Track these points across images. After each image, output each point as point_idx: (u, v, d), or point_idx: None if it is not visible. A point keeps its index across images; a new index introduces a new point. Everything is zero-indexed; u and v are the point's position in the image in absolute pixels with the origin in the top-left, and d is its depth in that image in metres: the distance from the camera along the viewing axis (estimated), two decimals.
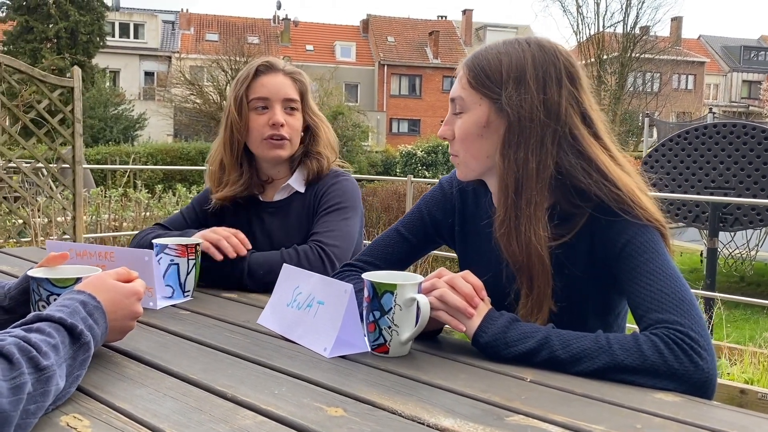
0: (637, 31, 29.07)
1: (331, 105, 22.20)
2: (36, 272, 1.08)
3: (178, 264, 1.46)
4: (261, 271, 1.55)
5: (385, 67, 37.19)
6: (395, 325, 1.09)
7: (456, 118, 1.27)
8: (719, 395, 2.76)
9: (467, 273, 1.17)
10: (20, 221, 4.05)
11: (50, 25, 25.09)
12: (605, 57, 28.60)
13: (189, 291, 1.49)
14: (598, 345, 1.06)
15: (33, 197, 4.10)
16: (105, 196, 5.88)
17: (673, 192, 4.87)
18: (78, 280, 1.06)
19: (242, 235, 1.61)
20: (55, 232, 4.08)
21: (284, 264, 1.33)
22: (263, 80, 1.73)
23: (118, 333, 1.06)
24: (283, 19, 38.58)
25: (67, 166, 4.04)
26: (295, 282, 1.27)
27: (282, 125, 1.71)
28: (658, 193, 4.99)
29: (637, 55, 28.75)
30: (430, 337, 1.22)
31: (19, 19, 24.92)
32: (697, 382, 1.02)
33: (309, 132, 1.80)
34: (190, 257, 1.47)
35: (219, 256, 1.56)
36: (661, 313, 1.08)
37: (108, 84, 27.38)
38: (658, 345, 1.03)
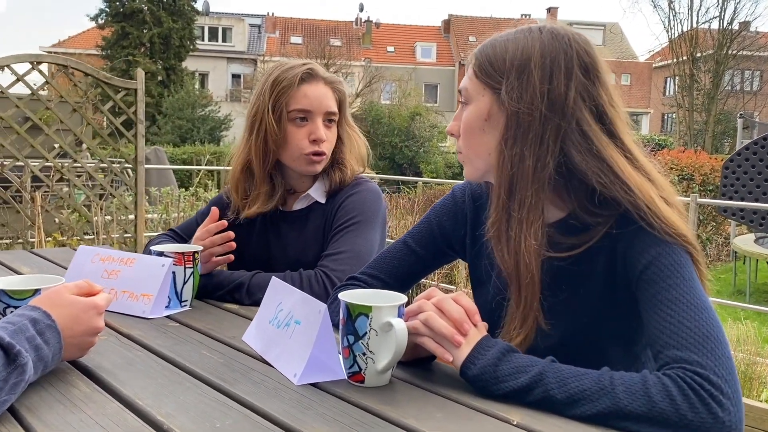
0: (735, 26, 27.40)
1: (409, 106, 22.18)
2: None
3: (174, 272, 1.40)
4: (261, 295, 1.48)
5: (466, 67, 36.80)
6: (370, 351, 0.98)
7: (463, 112, 1.15)
8: None
9: (460, 295, 1.05)
10: (85, 220, 4.19)
11: (145, 31, 26.35)
12: (699, 55, 27.12)
13: (186, 301, 1.43)
14: (600, 386, 0.91)
15: (96, 196, 4.22)
16: (175, 196, 6.04)
17: (757, 200, 4.47)
18: (36, 292, 1.02)
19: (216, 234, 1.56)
20: (116, 230, 4.20)
21: (273, 277, 1.24)
22: (305, 90, 1.61)
23: (77, 350, 1.00)
24: (365, 21, 38.92)
25: (129, 166, 4.16)
26: (279, 297, 1.18)
27: (324, 141, 1.62)
28: (738, 203, 4.61)
29: (735, 52, 27.09)
30: (422, 365, 1.10)
31: (116, 26, 26.31)
32: None
33: (339, 141, 1.70)
34: (187, 265, 1.41)
35: (230, 257, 1.55)
36: (679, 351, 0.92)
37: (197, 86, 28.45)
38: (670, 389, 0.88)
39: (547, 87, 1.04)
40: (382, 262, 1.37)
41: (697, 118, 26.70)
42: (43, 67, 3.87)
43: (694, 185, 10.88)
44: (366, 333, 0.98)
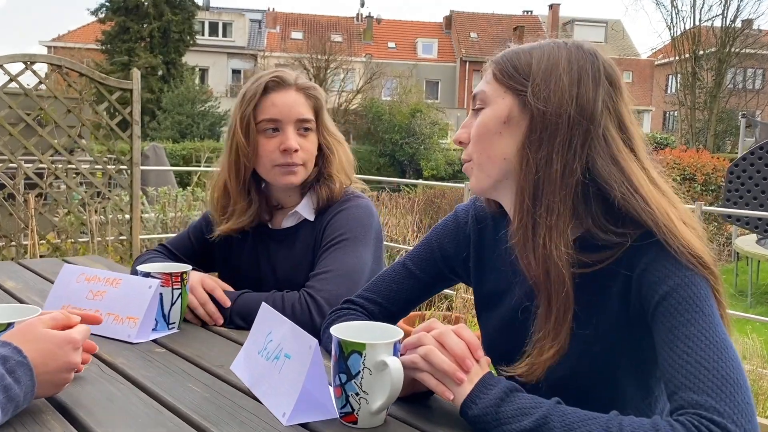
0: (737, 24, 27.28)
1: (410, 102, 22.10)
2: None
3: (161, 294, 1.34)
4: (242, 321, 1.41)
5: (467, 63, 36.67)
6: (364, 392, 0.92)
7: (475, 118, 1.10)
8: None
9: (461, 327, 0.99)
10: (79, 222, 4.13)
11: (145, 25, 26.22)
12: (701, 53, 27.01)
13: (174, 323, 1.37)
14: None
15: (91, 198, 4.16)
16: (172, 196, 5.97)
17: (762, 206, 4.41)
18: (9, 325, 0.96)
19: (220, 294, 1.44)
20: (111, 232, 4.13)
21: (263, 303, 1.18)
22: (273, 98, 1.53)
23: (51, 387, 0.94)
24: (366, 17, 38.79)
25: (125, 167, 4.09)
26: (269, 326, 1.12)
27: (296, 151, 1.53)
28: (744, 211, 4.55)
29: (737, 50, 26.98)
30: (420, 400, 1.04)
31: (117, 19, 26.18)
32: None
33: (322, 153, 1.61)
34: (175, 287, 1.35)
35: (197, 323, 1.43)
36: (696, 394, 0.86)
37: (197, 81, 28.34)
38: None
39: (576, 91, 1.00)
40: (380, 285, 1.31)
41: (699, 116, 26.62)
42: (41, 66, 3.81)
43: (696, 185, 10.80)
44: (359, 372, 0.92)
